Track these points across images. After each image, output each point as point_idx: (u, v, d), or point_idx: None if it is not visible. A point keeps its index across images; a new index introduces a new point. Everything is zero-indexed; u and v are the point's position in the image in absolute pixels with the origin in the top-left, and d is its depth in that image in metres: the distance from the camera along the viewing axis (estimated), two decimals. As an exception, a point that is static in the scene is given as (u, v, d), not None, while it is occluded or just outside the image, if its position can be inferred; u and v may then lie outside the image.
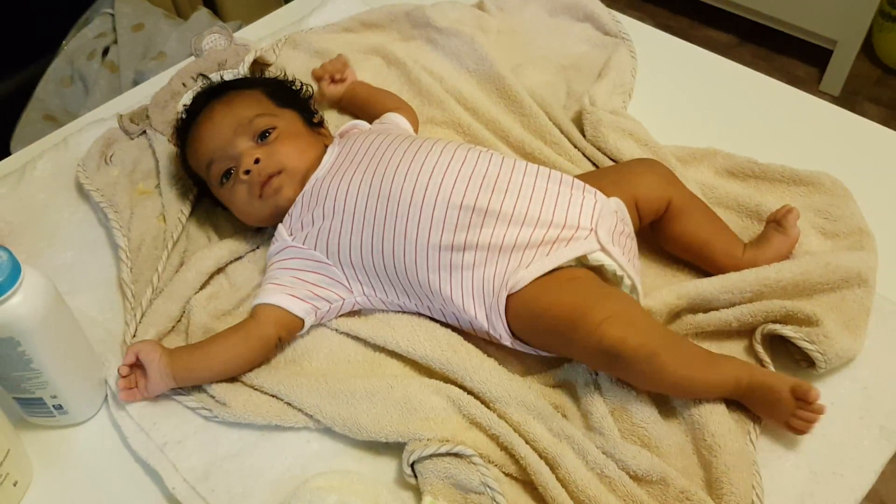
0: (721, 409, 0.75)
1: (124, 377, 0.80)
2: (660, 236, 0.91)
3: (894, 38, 2.19)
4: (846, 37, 2.12)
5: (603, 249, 0.79)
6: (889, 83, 2.26)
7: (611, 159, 1.03)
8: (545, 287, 0.77)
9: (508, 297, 0.78)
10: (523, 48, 1.25)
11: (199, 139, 0.94)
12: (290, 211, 0.90)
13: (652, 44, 1.25)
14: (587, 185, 0.85)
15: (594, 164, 1.04)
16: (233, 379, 0.82)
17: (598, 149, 1.04)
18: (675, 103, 1.16)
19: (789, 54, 2.35)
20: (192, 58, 1.19)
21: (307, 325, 0.85)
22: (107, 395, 0.82)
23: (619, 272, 0.79)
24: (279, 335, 0.83)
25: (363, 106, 1.10)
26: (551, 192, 0.83)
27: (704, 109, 1.15)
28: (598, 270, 0.80)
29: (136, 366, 0.81)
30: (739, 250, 0.87)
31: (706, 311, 0.83)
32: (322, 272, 0.86)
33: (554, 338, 0.77)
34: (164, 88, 1.12)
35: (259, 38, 1.27)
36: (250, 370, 0.82)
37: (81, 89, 1.66)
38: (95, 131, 1.11)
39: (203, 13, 1.72)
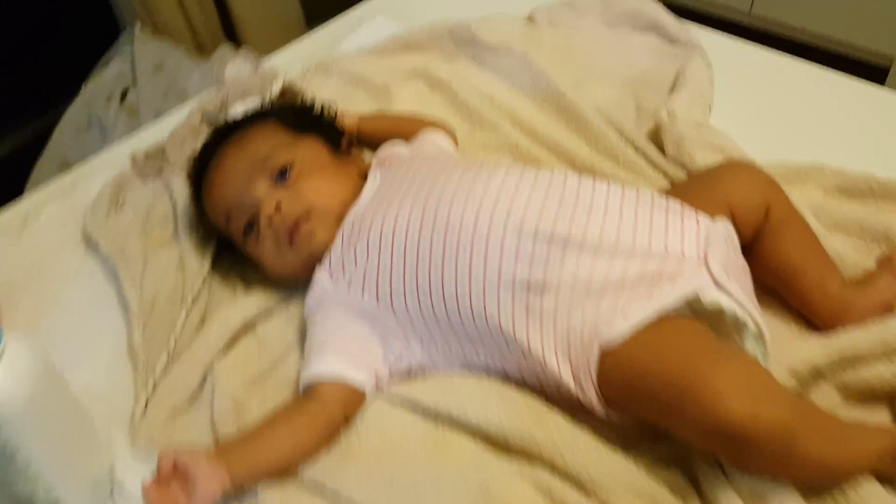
0: (875, 488, 0.59)
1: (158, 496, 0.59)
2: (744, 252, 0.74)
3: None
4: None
5: (718, 285, 0.63)
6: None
7: (699, 180, 0.88)
8: (646, 342, 0.61)
9: (602, 353, 0.63)
10: (582, 63, 1.11)
11: (212, 191, 0.81)
12: (329, 252, 0.76)
13: (725, 52, 1.10)
14: (686, 205, 0.69)
15: (679, 187, 0.89)
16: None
17: (683, 168, 0.89)
18: (761, 114, 1.01)
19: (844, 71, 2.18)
20: (215, 89, 1.07)
21: (368, 396, 0.69)
22: (112, 487, 0.68)
23: (742, 315, 0.63)
24: (346, 415, 0.68)
25: (387, 137, 0.93)
26: (643, 216, 0.68)
27: (795, 119, 1.00)
28: (715, 316, 0.64)
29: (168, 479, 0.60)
30: (834, 285, 0.71)
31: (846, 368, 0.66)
32: (374, 324, 0.71)
33: (657, 411, 0.60)
34: (182, 124, 1.00)
35: (287, 64, 1.15)
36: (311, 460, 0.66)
37: (98, 135, 1.55)
38: (105, 174, 0.98)
39: (227, 49, 1.61)
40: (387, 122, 0.97)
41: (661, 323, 0.62)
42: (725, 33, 1.17)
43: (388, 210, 0.73)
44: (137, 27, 1.72)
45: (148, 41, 1.67)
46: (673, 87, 1.01)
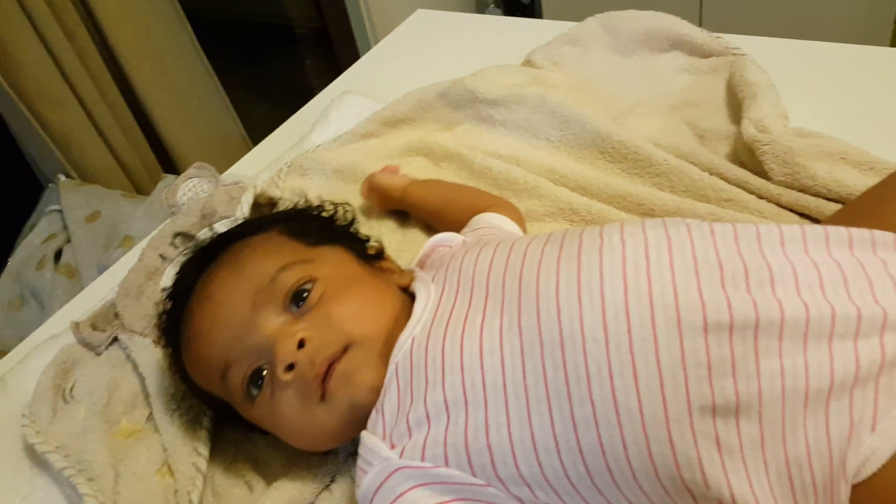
0: None
1: None
2: None
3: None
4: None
5: None
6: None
7: (829, 200, 0.67)
8: None
9: (855, 487, 0.40)
10: (607, 99, 0.91)
11: (199, 336, 0.57)
12: (378, 405, 0.52)
13: (767, 53, 0.92)
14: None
15: (803, 215, 0.68)
16: None
17: (802, 190, 0.68)
18: (842, 111, 0.82)
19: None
20: (169, 220, 0.83)
21: None
22: None
23: None
24: None
25: (435, 212, 0.74)
26: (849, 263, 0.46)
27: (884, 110, 0.81)
28: None
29: None
30: None
31: None
32: (473, 500, 0.47)
33: None
34: (133, 269, 0.75)
35: (252, 174, 0.93)
36: None
37: (36, 308, 1.30)
38: (44, 356, 0.73)
39: (169, 179, 1.39)
40: (439, 194, 0.78)
41: None
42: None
43: (468, 334, 0.49)
44: (60, 179, 1.49)
45: (76, 190, 1.44)
46: (746, 98, 0.80)
